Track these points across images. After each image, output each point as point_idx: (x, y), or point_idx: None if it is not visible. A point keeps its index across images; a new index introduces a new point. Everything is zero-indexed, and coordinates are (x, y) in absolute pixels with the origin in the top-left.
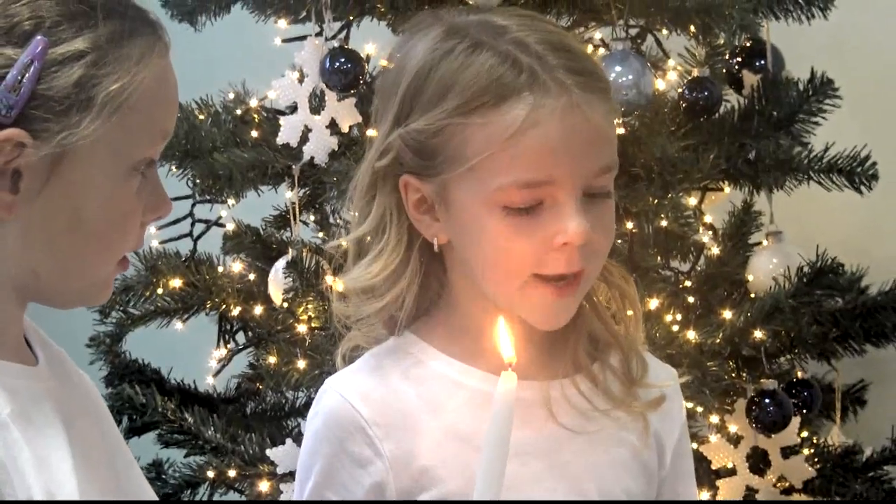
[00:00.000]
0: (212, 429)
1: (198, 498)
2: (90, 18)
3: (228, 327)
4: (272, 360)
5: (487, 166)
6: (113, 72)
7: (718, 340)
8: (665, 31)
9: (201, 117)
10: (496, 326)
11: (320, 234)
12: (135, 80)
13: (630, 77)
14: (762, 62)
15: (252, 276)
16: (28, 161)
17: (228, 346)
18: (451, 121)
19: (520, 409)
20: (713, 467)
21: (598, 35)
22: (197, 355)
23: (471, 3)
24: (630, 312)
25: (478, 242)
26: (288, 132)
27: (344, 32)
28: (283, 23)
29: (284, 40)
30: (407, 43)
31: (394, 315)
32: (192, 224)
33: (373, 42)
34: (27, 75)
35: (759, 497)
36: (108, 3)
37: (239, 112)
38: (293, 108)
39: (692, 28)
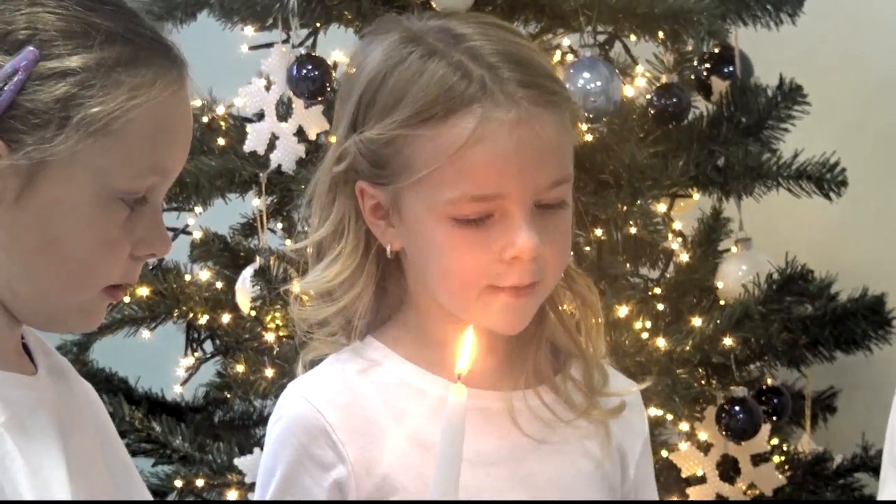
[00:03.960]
0: (180, 438)
1: None
2: (89, 39)
3: (196, 336)
4: (240, 368)
5: (436, 179)
6: (97, 95)
7: (688, 348)
8: (633, 38)
9: None
10: (463, 336)
11: (288, 242)
12: (121, 108)
13: (598, 84)
14: (731, 68)
15: (219, 285)
16: (0, 170)
17: (196, 354)
18: (400, 132)
19: (484, 418)
20: (683, 475)
21: (566, 42)
22: (165, 364)
23: (437, 8)
24: (593, 321)
25: (429, 253)
26: (255, 140)
27: (311, 40)
28: (249, 30)
29: (251, 48)
30: (366, 48)
31: (351, 320)
32: None
33: (340, 49)
34: (10, 84)
35: None
36: (114, 28)
37: (206, 120)
38: (260, 116)
39: (660, 34)
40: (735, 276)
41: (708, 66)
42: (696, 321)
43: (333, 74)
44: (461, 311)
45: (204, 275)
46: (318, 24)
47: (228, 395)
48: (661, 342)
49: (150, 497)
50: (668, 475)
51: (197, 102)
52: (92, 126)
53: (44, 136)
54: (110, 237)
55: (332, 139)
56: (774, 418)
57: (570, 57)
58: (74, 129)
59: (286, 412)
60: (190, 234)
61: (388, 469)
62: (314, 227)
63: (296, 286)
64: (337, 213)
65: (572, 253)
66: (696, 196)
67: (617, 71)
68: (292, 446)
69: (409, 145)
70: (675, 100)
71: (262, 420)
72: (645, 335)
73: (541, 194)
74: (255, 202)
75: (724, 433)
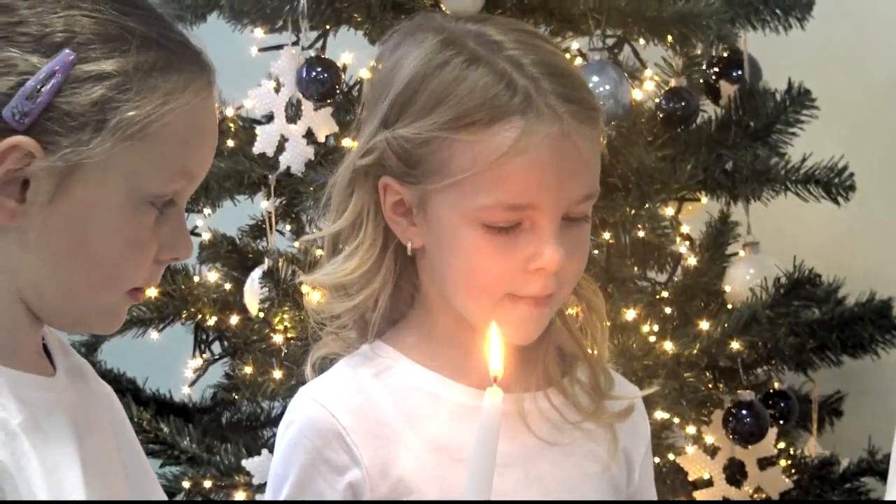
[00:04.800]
0: (187, 439)
1: None
2: (125, 44)
3: (204, 337)
4: (248, 370)
5: (471, 184)
6: (133, 99)
7: (695, 351)
8: (642, 41)
9: None
10: (487, 335)
11: (296, 244)
12: (156, 112)
13: (607, 87)
14: (739, 72)
15: (228, 286)
16: (35, 171)
17: (204, 355)
18: (439, 134)
19: None
20: (690, 479)
21: (575, 45)
22: (173, 365)
23: (446, 10)
24: (598, 325)
25: (452, 256)
26: (264, 141)
27: (320, 42)
28: (259, 32)
29: (261, 49)
30: (401, 46)
31: (365, 316)
32: None
33: (350, 51)
34: (47, 86)
35: None
36: (148, 32)
37: None
38: (269, 118)
39: (669, 38)
40: (743, 279)
41: (716, 69)
42: (704, 325)
43: (343, 77)
44: (475, 316)
45: (212, 276)
46: (327, 27)
47: (236, 397)
48: (668, 346)
49: (165, 499)
50: (674, 478)
51: None
52: (129, 129)
53: (80, 138)
54: (139, 240)
55: (343, 141)
56: (781, 422)
57: (579, 60)
58: (111, 133)
59: (298, 416)
60: (199, 235)
61: (403, 472)
62: (331, 220)
63: (311, 279)
64: (355, 206)
65: None
66: (704, 200)
67: (626, 74)
68: (306, 450)
69: (445, 148)
70: (683, 103)
71: (270, 421)
72: (652, 338)
73: (571, 208)
74: (264, 204)
75: (730, 437)
